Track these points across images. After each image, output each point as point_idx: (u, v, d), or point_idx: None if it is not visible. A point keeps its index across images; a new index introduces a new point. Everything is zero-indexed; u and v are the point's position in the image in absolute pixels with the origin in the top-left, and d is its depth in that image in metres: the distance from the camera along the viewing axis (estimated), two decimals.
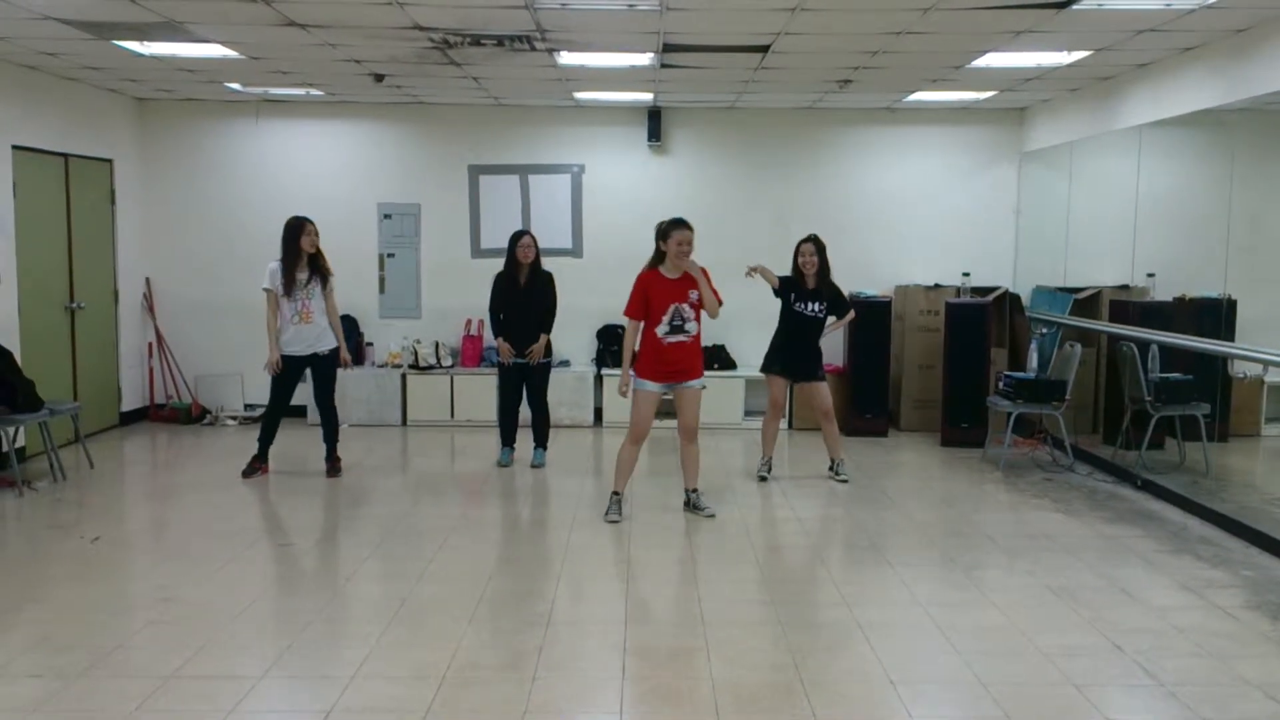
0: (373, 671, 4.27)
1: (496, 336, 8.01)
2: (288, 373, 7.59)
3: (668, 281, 6.50)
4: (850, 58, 7.58)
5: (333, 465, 7.83)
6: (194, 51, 7.54)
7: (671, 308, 6.46)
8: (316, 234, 7.49)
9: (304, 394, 7.91)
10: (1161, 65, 7.59)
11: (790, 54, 7.40)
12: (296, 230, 7.44)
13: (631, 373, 6.60)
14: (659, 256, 6.53)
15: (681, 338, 6.50)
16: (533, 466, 8.12)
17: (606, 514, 6.71)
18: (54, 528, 6.48)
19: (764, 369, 7.76)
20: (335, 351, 7.67)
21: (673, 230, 6.44)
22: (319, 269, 7.52)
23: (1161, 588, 5.42)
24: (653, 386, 6.59)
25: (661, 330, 6.48)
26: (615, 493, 6.77)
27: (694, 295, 6.50)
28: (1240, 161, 7.40)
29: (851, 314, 7.83)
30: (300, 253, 7.44)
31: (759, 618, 4.94)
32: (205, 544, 6.09)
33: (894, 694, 4.09)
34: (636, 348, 6.61)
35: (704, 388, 6.74)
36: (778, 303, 7.64)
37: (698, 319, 6.54)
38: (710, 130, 10.27)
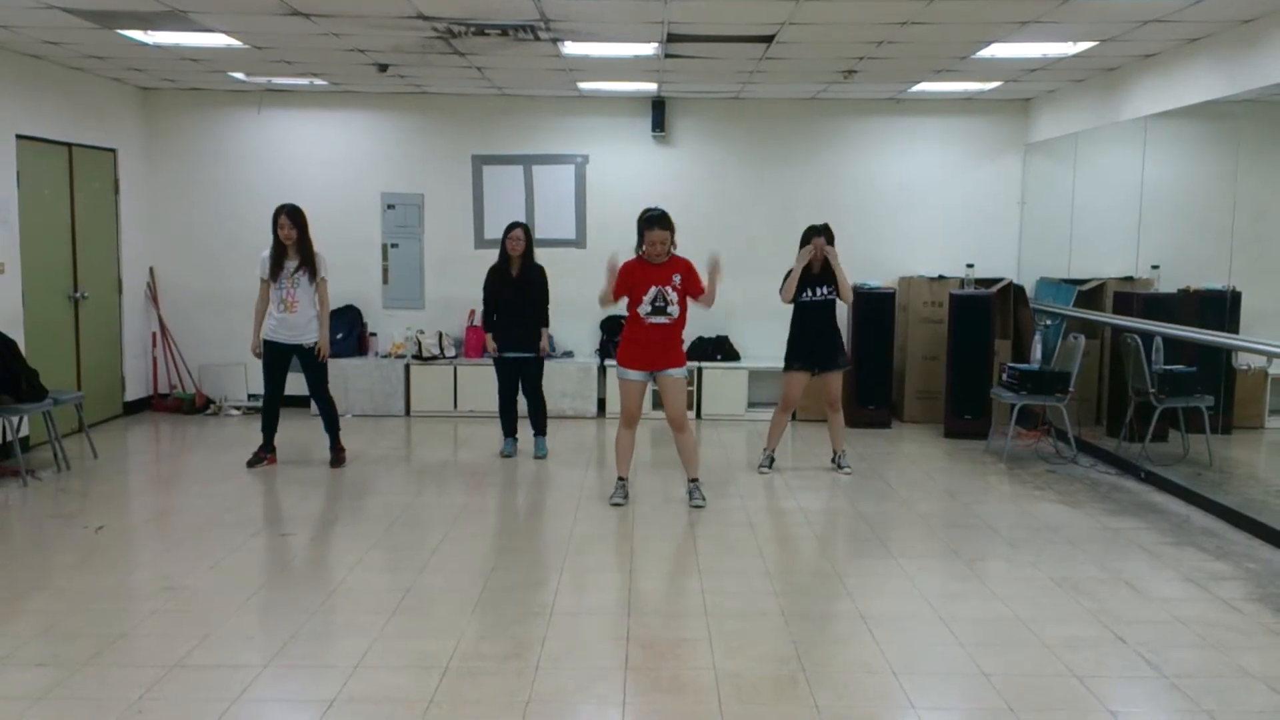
0: (376, 661, 4.28)
1: (486, 331, 8.11)
2: (273, 360, 7.61)
3: (650, 267, 6.61)
4: (855, 48, 7.56)
5: (336, 455, 7.84)
6: (198, 41, 7.52)
7: (653, 289, 6.55)
8: (289, 225, 7.42)
9: (301, 383, 7.91)
10: (1167, 56, 7.56)
11: (795, 44, 7.38)
12: (272, 219, 7.50)
13: (614, 363, 6.73)
14: (641, 248, 6.62)
15: (662, 319, 6.57)
16: (535, 458, 8.13)
17: (611, 497, 6.81)
18: (58, 517, 6.49)
19: (785, 366, 7.73)
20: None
21: (645, 230, 6.56)
22: (308, 261, 7.51)
23: (1164, 580, 5.42)
24: (634, 375, 6.69)
25: (644, 310, 6.58)
26: (620, 478, 6.87)
27: (676, 279, 6.57)
28: (1245, 153, 7.38)
29: (848, 299, 7.75)
30: (279, 241, 7.47)
31: (762, 609, 4.94)
32: (209, 534, 6.10)
33: (897, 685, 4.10)
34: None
35: (687, 377, 6.81)
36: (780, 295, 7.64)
37: (681, 303, 6.58)
38: (714, 121, 10.25)
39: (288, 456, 7.97)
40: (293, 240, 7.46)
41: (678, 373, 6.70)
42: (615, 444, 6.90)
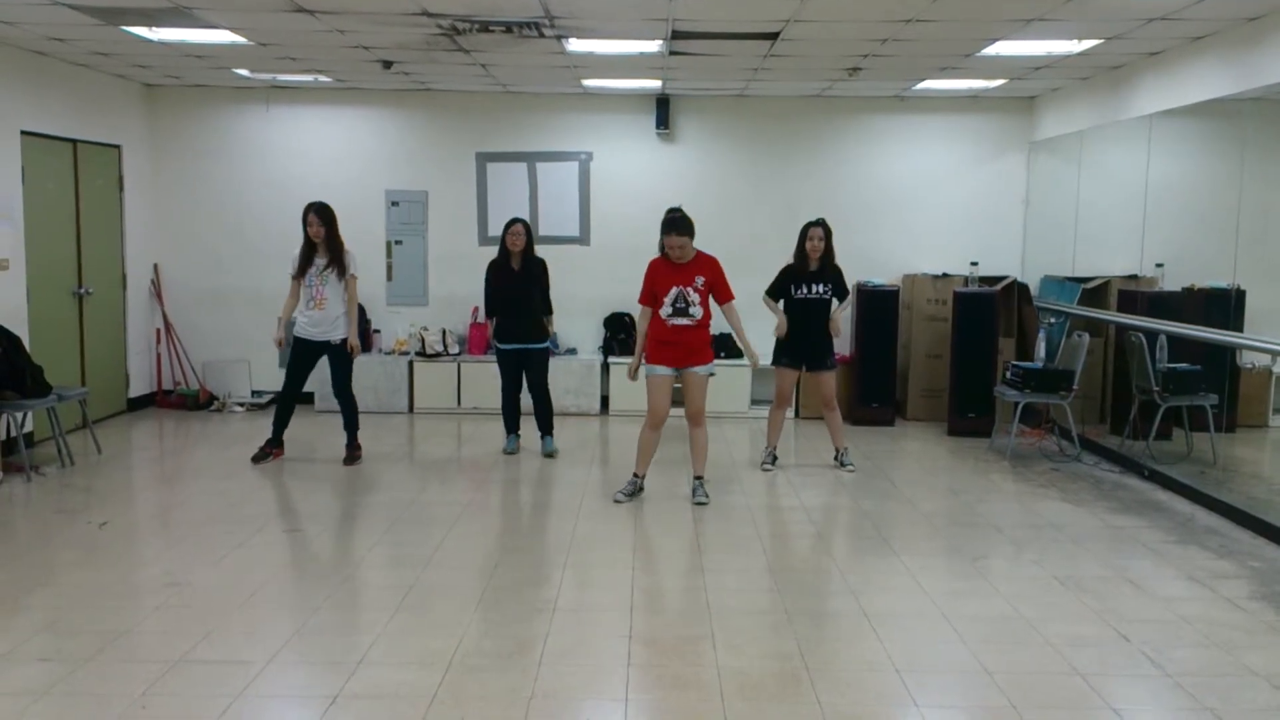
0: (379, 657, 4.28)
1: (490, 316, 8.16)
2: (298, 355, 7.63)
3: (673, 266, 6.59)
4: (860, 45, 7.55)
5: (352, 453, 7.83)
6: (202, 37, 7.53)
7: (674, 290, 6.54)
8: (318, 223, 7.46)
9: (311, 381, 7.91)
10: (1172, 54, 7.55)
11: (800, 41, 7.37)
12: (302, 217, 7.54)
13: (617, 360, 6.72)
14: (663, 248, 6.61)
15: (685, 320, 6.56)
16: (545, 455, 8.09)
17: (616, 493, 6.82)
18: (62, 513, 6.51)
19: (772, 361, 7.76)
20: (347, 340, 7.65)
21: (663, 234, 6.57)
22: (336, 258, 7.52)
23: (1168, 578, 5.41)
24: (662, 370, 6.66)
25: (665, 312, 6.57)
26: (636, 475, 6.87)
27: (699, 280, 6.54)
28: (1250, 151, 7.36)
29: (849, 301, 7.81)
30: (309, 238, 7.48)
31: (765, 606, 4.95)
32: (212, 529, 6.11)
33: (900, 683, 4.10)
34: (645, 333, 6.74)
35: (712, 375, 6.78)
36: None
37: (704, 304, 6.57)
38: (719, 118, 10.24)
39: (292, 453, 7.97)
40: (321, 237, 7.49)
41: (702, 370, 6.69)
42: (639, 440, 6.85)
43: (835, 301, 7.65)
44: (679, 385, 6.77)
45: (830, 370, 7.67)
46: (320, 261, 7.50)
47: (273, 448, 7.79)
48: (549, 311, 8.15)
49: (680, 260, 6.55)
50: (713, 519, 6.47)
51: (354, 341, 7.68)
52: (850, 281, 7.83)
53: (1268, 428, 8.28)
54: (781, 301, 7.65)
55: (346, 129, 10.24)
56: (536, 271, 8.03)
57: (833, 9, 6.43)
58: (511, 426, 8.28)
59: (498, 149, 10.24)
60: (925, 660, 4.34)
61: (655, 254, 6.71)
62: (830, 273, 7.57)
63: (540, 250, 8.26)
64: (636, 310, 6.87)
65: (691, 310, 6.55)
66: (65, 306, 8.84)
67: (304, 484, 7.33)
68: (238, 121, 10.17)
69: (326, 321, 7.53)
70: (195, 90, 10.10)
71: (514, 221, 8.02)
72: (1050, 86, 9.38)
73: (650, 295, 6.64)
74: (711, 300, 6.68)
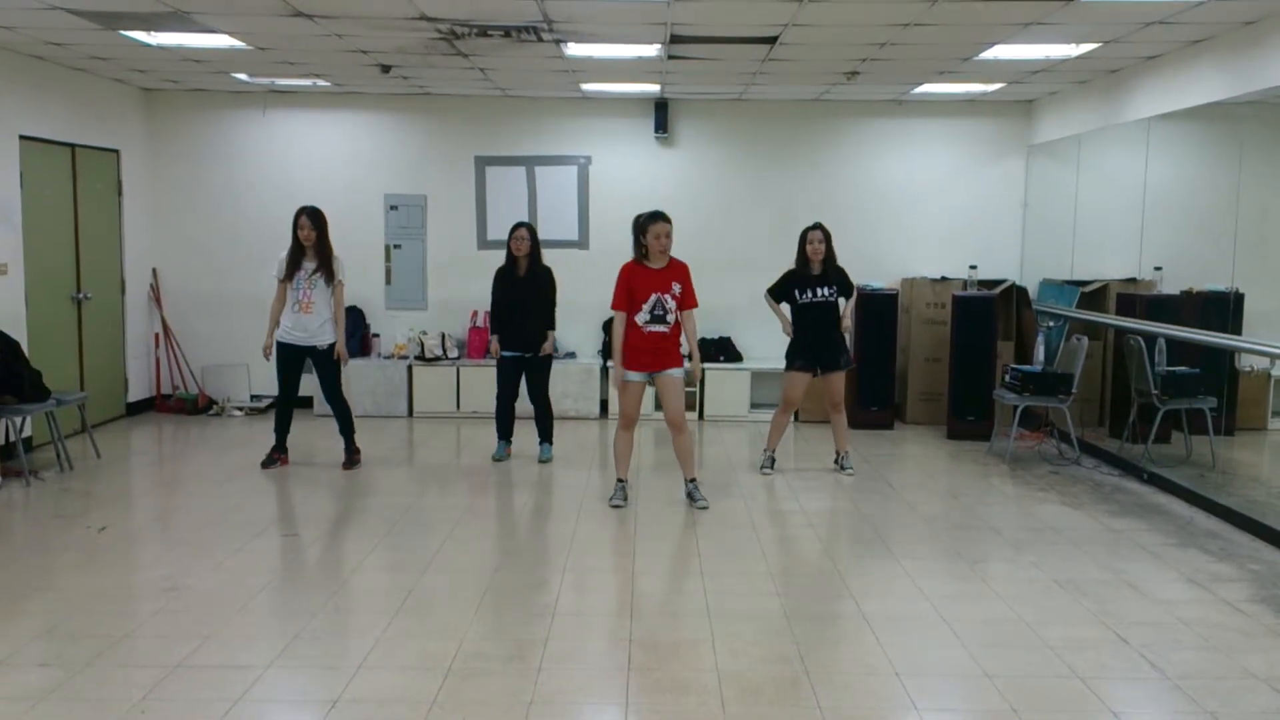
0: (379, 662, 4.28)
1: (493, 334, 8.04)
2: (286, 361, 7.61)
3: (651, 272, 6.60)
4: (858, 49, 7.56)
5: (350, 458, 7.82)
6: (201, 42, 7.53)
7: (653, 297, 6.56)
8: (309, 226, 7.43)
9: (310, 385, 7.91)
10: (1170, 58, 7.56)
11: (798, 45, 7.39)
12: (293, 220, 7.51)
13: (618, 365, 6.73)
14: (640, 251, 6.60)
15: (660, 328, 6.59)
16: (540, 462, 8.08)
17: (611, 499, 6.80)
18: (60, 517, 6.50)
19: (786, 366, 7.73)
20: (333, 346, 7.64)
21: (650, 224, 6.54)
22: (326, 263, 7.50)
23: (1167, 581, 5.41)
24: (634, 376, 6.70)
25: (641, 319, 6.59)
26: (619, 479, 6.87)
27: (676, 288, 6.57)
28: (1248, 154, 7.37)
29: (854, 297, 7.85)
30: (298, 242, 7.47)
31: (764, 610, 4.94)
32: (212, 534, 6.10)
33: (899, 686, 4.09)
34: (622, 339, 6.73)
35: (686, 378, 6.82)
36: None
37: (678, 311, 6.61)
38: (717, 122, 10.25)
39: (292, 457, 7.94)
40: (311, 242, 7.46)
41: (676, 373, 6.69)
42: (614, 445, 6.90)
43: (843, 301, 7.67)
44: (653, 387, 6.82)
45: (843, 370, 7.68)
46: (309, 265, 7.48)
47: (279, 454, 7.78)
48: (551, 325, 8.06)
49: (660, 259, 6.56)
50: (711, 523, 6.46)
51: (341, 349, 7.65)
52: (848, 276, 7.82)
53: (1266, 431, 8.28)
54: (786, 306, 7.65)
55: (345, 133, 10.25)
56: (543, 280, 7.97)
57: (831, 14, 6.43)
58: (504, 433, 8.24)
59: (496, 153, 10.25)
60: (925, 663, 4.34)
61: None
62: (833, 274, 7.58)
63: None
64: None
65: (668, 317, 6.58)
66: (64, 311, 8.84)
67: (303, 488, 7.32)
68: (236, 126, 10.18)
69: (312, 326, 7.51)
70: (193, 95, 10.10)
71: (518, 226, 7.97)
72: (1048, 90, 9.39)
73: (627, 300, 6.61)
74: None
